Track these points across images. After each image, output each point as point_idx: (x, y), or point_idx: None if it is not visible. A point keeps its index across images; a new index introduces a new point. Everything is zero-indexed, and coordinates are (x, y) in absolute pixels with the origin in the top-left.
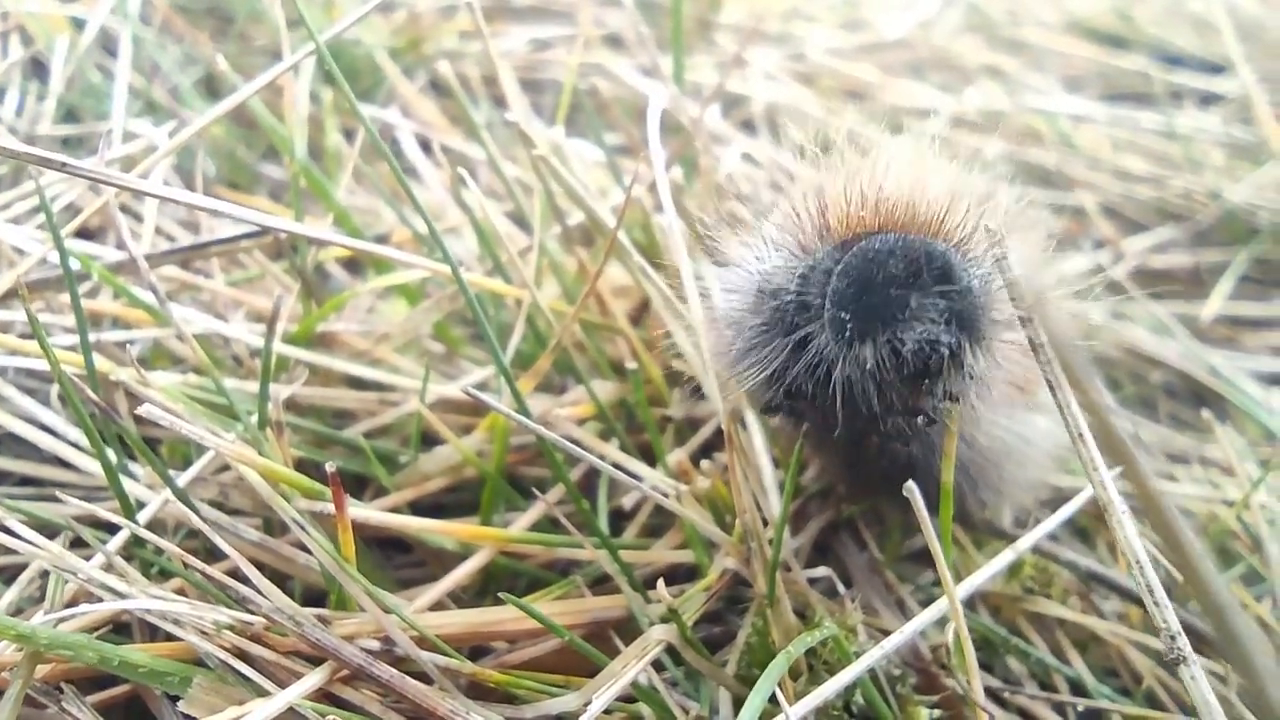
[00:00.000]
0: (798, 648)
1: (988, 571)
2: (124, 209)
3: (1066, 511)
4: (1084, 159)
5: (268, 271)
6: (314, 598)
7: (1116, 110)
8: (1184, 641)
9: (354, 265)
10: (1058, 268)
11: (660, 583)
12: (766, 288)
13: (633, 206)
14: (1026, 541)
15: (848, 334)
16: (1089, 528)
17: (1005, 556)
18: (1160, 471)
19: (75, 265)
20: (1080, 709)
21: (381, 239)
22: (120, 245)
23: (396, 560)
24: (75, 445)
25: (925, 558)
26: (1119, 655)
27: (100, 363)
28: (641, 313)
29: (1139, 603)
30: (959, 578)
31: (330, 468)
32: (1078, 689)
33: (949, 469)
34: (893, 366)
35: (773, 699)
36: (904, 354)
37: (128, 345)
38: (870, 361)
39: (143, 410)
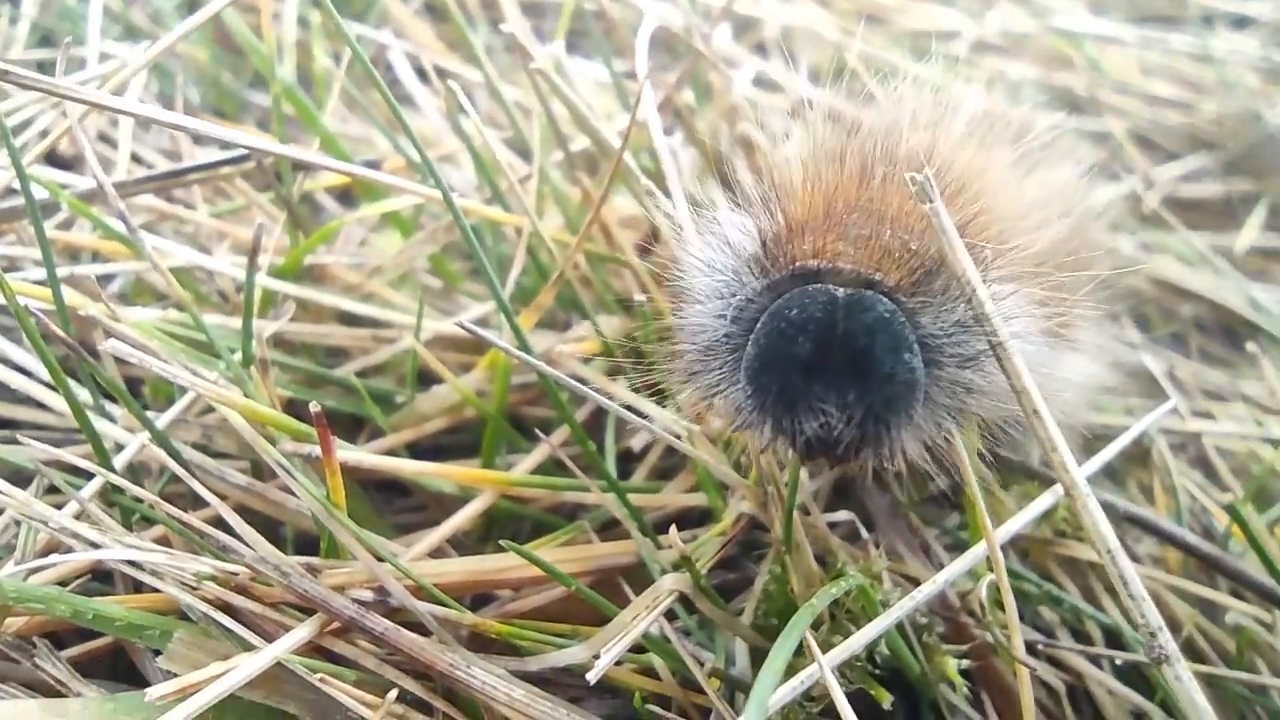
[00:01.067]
0: (822, 599)
1: (1026, 516)
2: (102, 138)
3: (1110, 451)
4: (1112, 83)
5: (253, 202)
6: (308, 546)
7: (1146, 32)
8: (1166, 638)
9: (346, 198)
10: (1092, 198)
11: (673, 528)
12: (710, 310)
13: (641, 130)
14: (1080, 476)
15: (751, 404)
16: (1119, 469)
17: (1045, 500)
18: (1198, 410)
19: (45, 195)
20: (1119, 662)
21: (373, 165)
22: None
23: (395, 505)
24: (49, 385)
25: (949, 500)
26: (1156, 598)
27: (75, 299)
28: (650, 244)
29: (1179, 545)
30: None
31: (314, 407)
32: (1112, 637)
33: (972, 439)
34: (800, 446)
35: (796, 650)
36: (806, 439)
37: (103, 280)
38: (774, 436)
39: (107, 345)
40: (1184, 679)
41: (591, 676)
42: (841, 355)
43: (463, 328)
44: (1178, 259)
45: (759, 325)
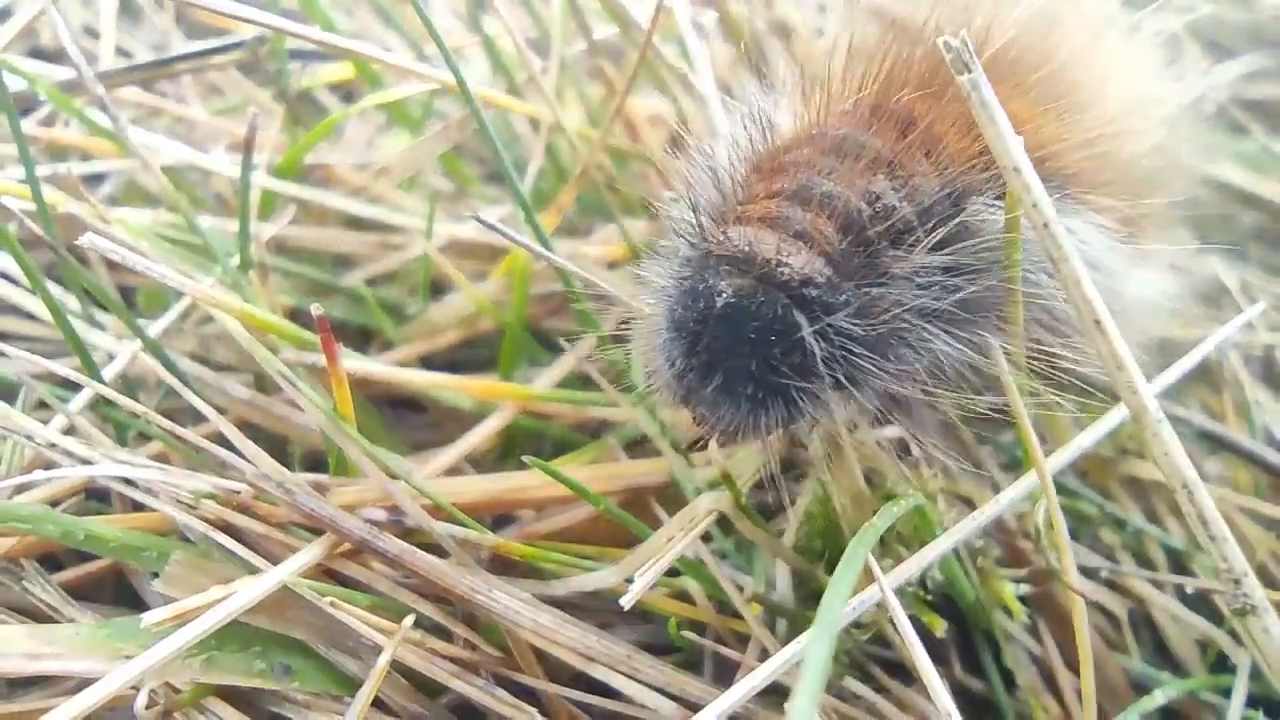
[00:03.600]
0: (884, 518)
1: (1086, 441)
2: (87, 31)
3: (1181, 368)
4: None
5: (249, 98)
6: (317, 466)
7: None
8: (1252, 584)
9: (350, 97)
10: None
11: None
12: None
13: (670, 15)
14: (1150, 397)
15: (670, 385)
16: (1181, 388)
17: (1109, 420)
18: (1273, 324)
19: (23, 87)
20: (1190, 590)
21: None
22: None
23: (408, 422)
24: (35, 293)
25: (1004, 416)
26: (1226, 523)
27: (56, 197)
28: (680, 141)
29: (1260, 464)
30: (1043, 441)
31: (316, 309)
32: (1177, 560)
33: (1018, 342)
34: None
35: None
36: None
37: (91, 182)
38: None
39: (85, 240)
40: (1273, 632)
41: (626, 601)
42: (750, 339)
43: (480, 222)
44: (1238, 163)
45: (674, 308)
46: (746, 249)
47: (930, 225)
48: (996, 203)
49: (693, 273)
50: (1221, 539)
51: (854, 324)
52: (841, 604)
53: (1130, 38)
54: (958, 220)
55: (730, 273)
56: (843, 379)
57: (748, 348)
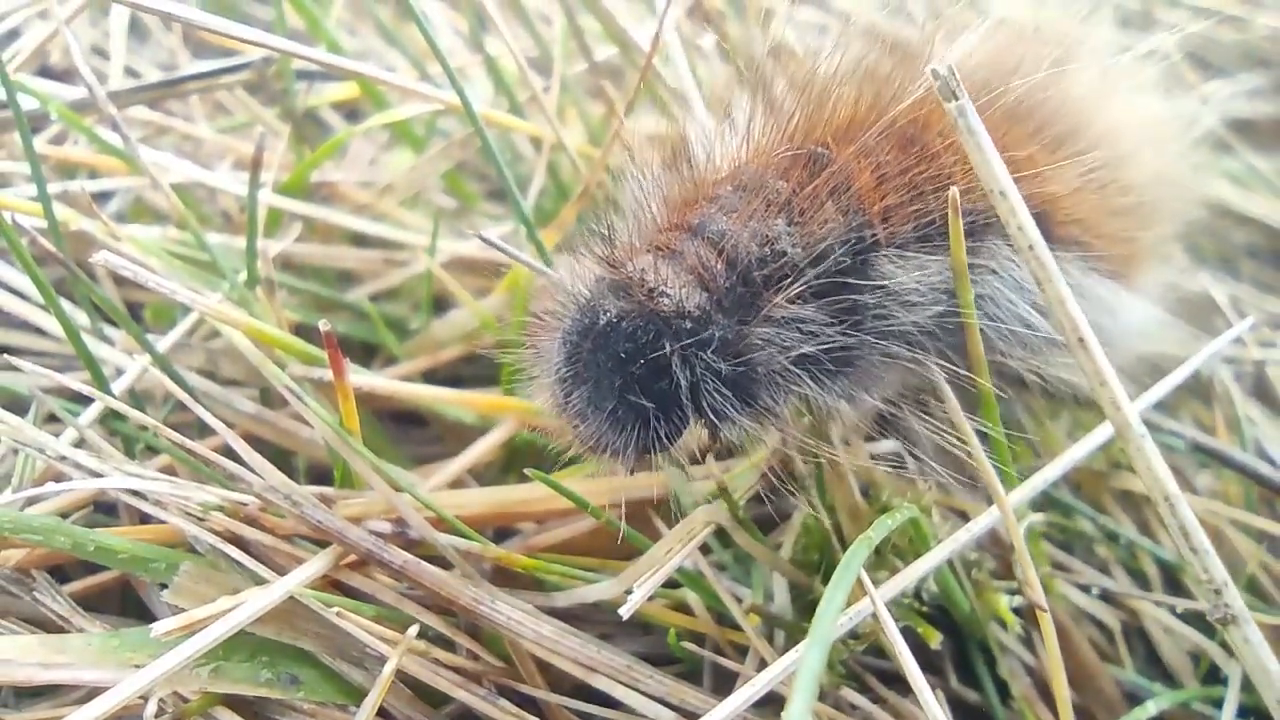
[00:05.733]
0: (879, 530)
1: (1067, 462)
2: (96, 52)
3: (1169, 384)
4: None
5: (257, 118)
6: (321, 479)
7: None
8: (1232, 595)
9: (353, 116)
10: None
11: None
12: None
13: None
14: (1133, 414)
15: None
16: (1173, 403)
17: (1095, 438)
18: (1263, 340)
19: (35, 107)
20: (1179, 611)
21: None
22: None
23: (411, 437)
24: (45, 309)
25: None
26: (1215, 535)
27: (67, 215)
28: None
29: (1251, 476)
30: (1035, 453)
31: (324, 325)
32: (1170, 573)
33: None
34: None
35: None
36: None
37: (100, 199)
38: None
39: (98, 257)
40: (1253, 641)
41: (625, 611)
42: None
43: (483, 240)
44: (1231, 181)
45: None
46: (637, 276)
47: (819, 272)
48: (900, 253)
49: (590, 292)
50: (1202, 551)
51: (721, 360)
52: (835, 614)
53: (1125, 60)
54: (850, 268)
55: (620, 296)
56: (706, 409)
57: (618, 366)
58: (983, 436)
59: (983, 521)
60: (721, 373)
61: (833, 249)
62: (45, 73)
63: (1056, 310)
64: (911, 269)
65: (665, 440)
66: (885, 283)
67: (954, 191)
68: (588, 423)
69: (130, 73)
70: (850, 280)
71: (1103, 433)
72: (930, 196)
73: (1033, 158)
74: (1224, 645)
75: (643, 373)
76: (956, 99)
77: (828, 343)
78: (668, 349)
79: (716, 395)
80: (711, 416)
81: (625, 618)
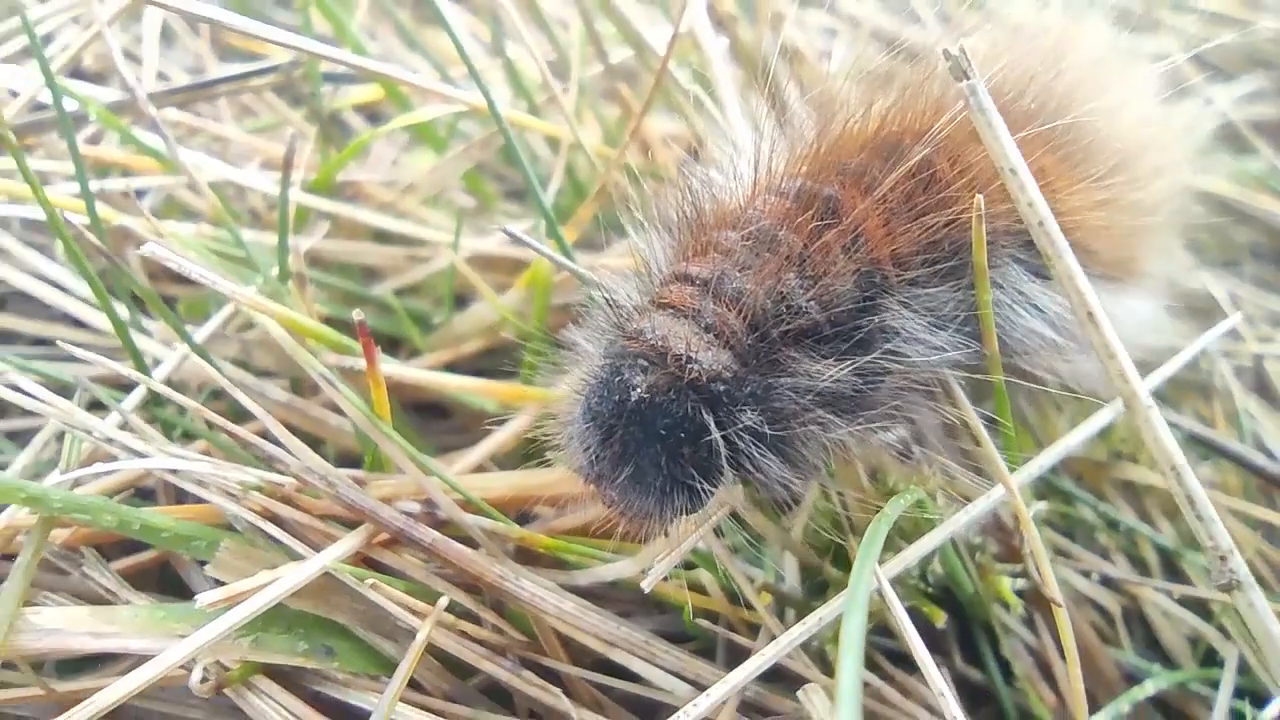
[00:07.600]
0: (894, 508)
1: (1076, 438)
2: (127, 56)
3: (1173, 365)
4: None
5: (284, 119)
6: (350, 465)
7: None
8: (1237, 561)
9: (376, 118)
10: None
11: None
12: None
13: (684, 41)
14: (1141, 387)
15: (584, 470)
16: (1174, 397)
17: (1101, 417)
18: (1262, 335)
19: (74, 107)
20: (1177, 596)
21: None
22: (123, 85)
23: (435, 427)
24: (86, 301)
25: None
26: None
27: (107, 212)
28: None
29: (1247, 466)
30: (1038, 444)
31: (357, 315)
32: (1169, 560)
33: (996, 369)
34: None
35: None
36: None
37: (136, 194)
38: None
39: (145, 250)
40: (1258, 605)
41: (646, 585)
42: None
43: (507, 234)
44: (1234, 181)
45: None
46: (659, 344)
47: (837, 328)
48: (904, 309)
49: (610, 364)
50: (1208, 518)
51: (754, 419)
52: (867, 585)
53: (1133, 62)
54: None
55: (645, 368)
56: (747, 468)
57: (658, 443)
58: (988, 425)
59: (982, 503)
60: (756, 431)
61: (845, 296)
62: (78, 75)
63: (1066, 285)
64: (923, 304)
65: (704, 500)
66: (899, 322)
67: (979, 200)
68: (633, 499)
69: (159, 76)
70: (865, 322)
71: (1105, 415)
72: (941, 229)
73: (1044, 169)
74: (1221, 629)
75: (681, 445)
76: (968, 78)
77: (849, 386)
78: (704, 417)
79: (755, 453)
80: (757, 475)
81: (648, 590)
